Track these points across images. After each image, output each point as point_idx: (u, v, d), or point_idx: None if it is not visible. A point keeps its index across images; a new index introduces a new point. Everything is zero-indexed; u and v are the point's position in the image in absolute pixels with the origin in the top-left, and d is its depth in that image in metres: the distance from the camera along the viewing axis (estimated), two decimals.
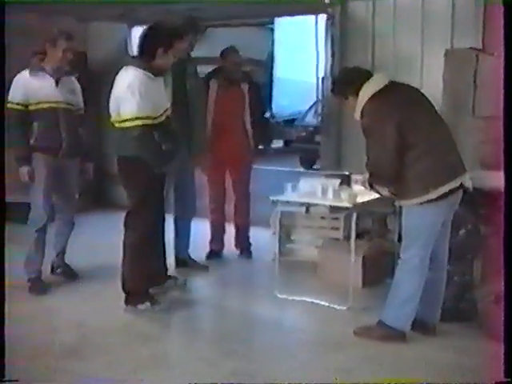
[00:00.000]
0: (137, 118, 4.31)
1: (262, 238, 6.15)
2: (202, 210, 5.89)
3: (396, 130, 3.86)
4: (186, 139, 5.25)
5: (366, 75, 4.12)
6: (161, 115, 4.48)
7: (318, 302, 4.80)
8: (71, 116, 5.12)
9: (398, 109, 3.96)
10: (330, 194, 4.75)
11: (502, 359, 2.78)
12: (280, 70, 13.70)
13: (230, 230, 6.24)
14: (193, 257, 5.75)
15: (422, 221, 3.98)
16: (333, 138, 6.64)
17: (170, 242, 5.57)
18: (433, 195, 3.88)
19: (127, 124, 4.34)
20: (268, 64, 14.31)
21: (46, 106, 5.00)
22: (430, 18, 6.04)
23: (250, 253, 6.18)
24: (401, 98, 4.06)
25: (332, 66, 6.45)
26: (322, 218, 5.67)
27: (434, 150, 3.95)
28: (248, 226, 6.22)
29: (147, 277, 4.69)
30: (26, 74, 5.01)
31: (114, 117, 4.47)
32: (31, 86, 4.97)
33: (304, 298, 4.86)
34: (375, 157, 4.01)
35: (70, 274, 5.39)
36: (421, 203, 3.92)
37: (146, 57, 4.46)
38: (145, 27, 4.67)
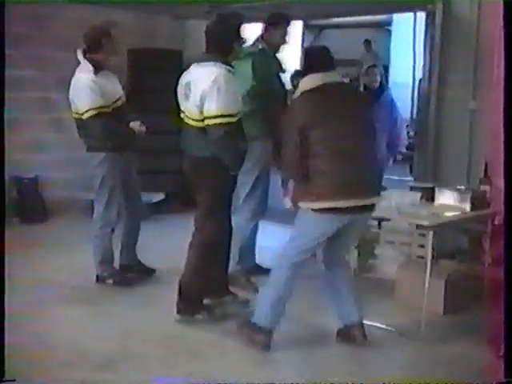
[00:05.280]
0: (220, 116, 4.04)
1: None
2: None
3: (298, 136, 3.67)
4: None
5: (308, 70, 3.84)
6: (238, 113, 4.20)
7: (383, 327, 4.32)
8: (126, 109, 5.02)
9: (308, 115, 3.71)
10: (406, 209, 4.30)
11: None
12: (395, 75, 12.89)
13: None
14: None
15: (305, 227, 3.85)
16: (429, 144, 5.99)
17: None
18: (315, 205, 3.70)
19: (210, 121, 4.06)
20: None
21: (119, 103, 4.92)
22: None
23: None
24: (320, 103, 3.76)
25: (430, 67, 5.91)
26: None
27: (336, 165, 3.68)
28: None
29: (207, 286, 4.43)
30: (91, 76, 4.73)
31: (190, 114, 4.18)
32: (102, 87, 4.76)
33: (370, 322, 4.29)
34: (282, 153, 3.87)
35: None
36: (307, 209, 3.76)
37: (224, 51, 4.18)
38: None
